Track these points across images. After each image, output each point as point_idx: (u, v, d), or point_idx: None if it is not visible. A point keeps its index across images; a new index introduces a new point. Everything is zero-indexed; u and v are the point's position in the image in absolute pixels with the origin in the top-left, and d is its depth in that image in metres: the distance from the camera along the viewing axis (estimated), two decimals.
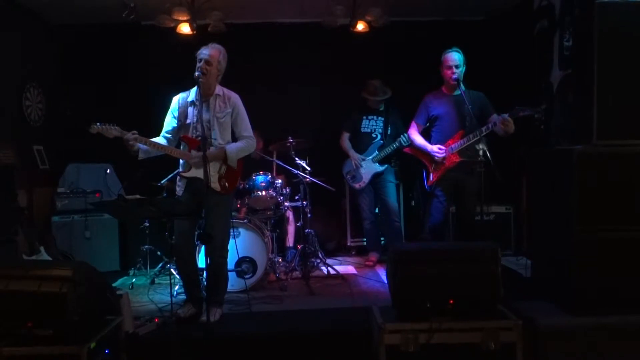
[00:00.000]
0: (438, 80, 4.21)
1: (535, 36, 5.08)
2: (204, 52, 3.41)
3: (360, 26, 5.15)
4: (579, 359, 3.02)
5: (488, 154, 3.70)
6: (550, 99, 4.72)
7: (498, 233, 5.04)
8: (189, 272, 3.61)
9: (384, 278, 4.48)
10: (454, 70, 3.99)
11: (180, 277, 3.79)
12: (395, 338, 2.75)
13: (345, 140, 5.23)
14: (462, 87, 3.97)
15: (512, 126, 3.80)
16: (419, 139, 4.26)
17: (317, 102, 5.75)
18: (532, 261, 3.92)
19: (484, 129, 3.86)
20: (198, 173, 3.40)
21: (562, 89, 4.60)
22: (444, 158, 4.09)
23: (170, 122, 3.57)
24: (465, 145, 4.00)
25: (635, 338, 3.04)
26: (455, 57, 4.01)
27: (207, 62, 3.38)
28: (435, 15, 5.74)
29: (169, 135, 3.56)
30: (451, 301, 2.77)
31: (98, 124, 3.18)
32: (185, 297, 3.68)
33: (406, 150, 4.61)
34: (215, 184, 3.41)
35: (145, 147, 3.36)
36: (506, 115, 3.79)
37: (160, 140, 3.51)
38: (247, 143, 3.59)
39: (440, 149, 4.10)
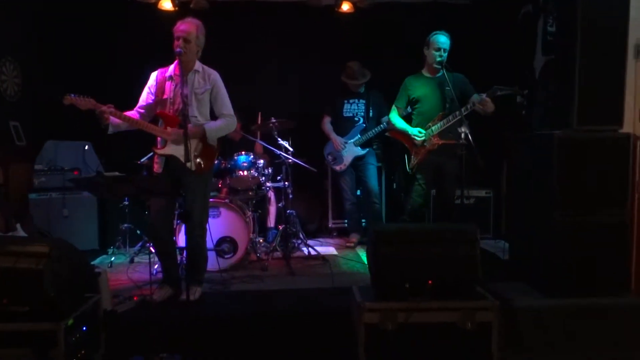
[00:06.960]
0: (422, 62, 4.19)
1: (519, 21, 5.08)
2: (181, 29, 3.35)
3: (346, 7, 5.12)
4: (551, 338, 3.10)
5: (470, 137, 3.70)
6: (533, 84, 4.75)
7: (477, 217, 5.09)
8: (166, 251, 3.57)
9: (365, 259, 4.52)
10: (441, 53, 3.98)
11: (157, 256, 3.75)
12: (374, 317, 2.78)
13: (327, 123, 5.22)
14: (443, 69, 3.97)
15: (491, 105, 3.84)
16: (399, 122, 4.24)
17: (300, 83, 5.70)
18: (510, 244, 3.98)
19: (462, 109, 3.87)
20: (174, 150, 3.37)
21: (544, 74, 4.63)
22: (424, 141, 4.08)
23: (145, 97, 3.51)
24: (445, 126, 4.00)
25: (605, 319, 3.13)
26: (444, 40, 3.99)
27: (185, 40, 3.33)
28: None
29: (142, 111, 3.49)
30: (430, 282, 2.80)
31: (72, 94, 3.16)
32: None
33: (389, 133, 4.60)
34: (190, 163, 3.38)
35: (116, 121, 3.32)
36: (484, 95, 3.82)
37: (132, 115, 3.44)
38: (227, 122, 3.55)
39: (420, 132, 4.09)
